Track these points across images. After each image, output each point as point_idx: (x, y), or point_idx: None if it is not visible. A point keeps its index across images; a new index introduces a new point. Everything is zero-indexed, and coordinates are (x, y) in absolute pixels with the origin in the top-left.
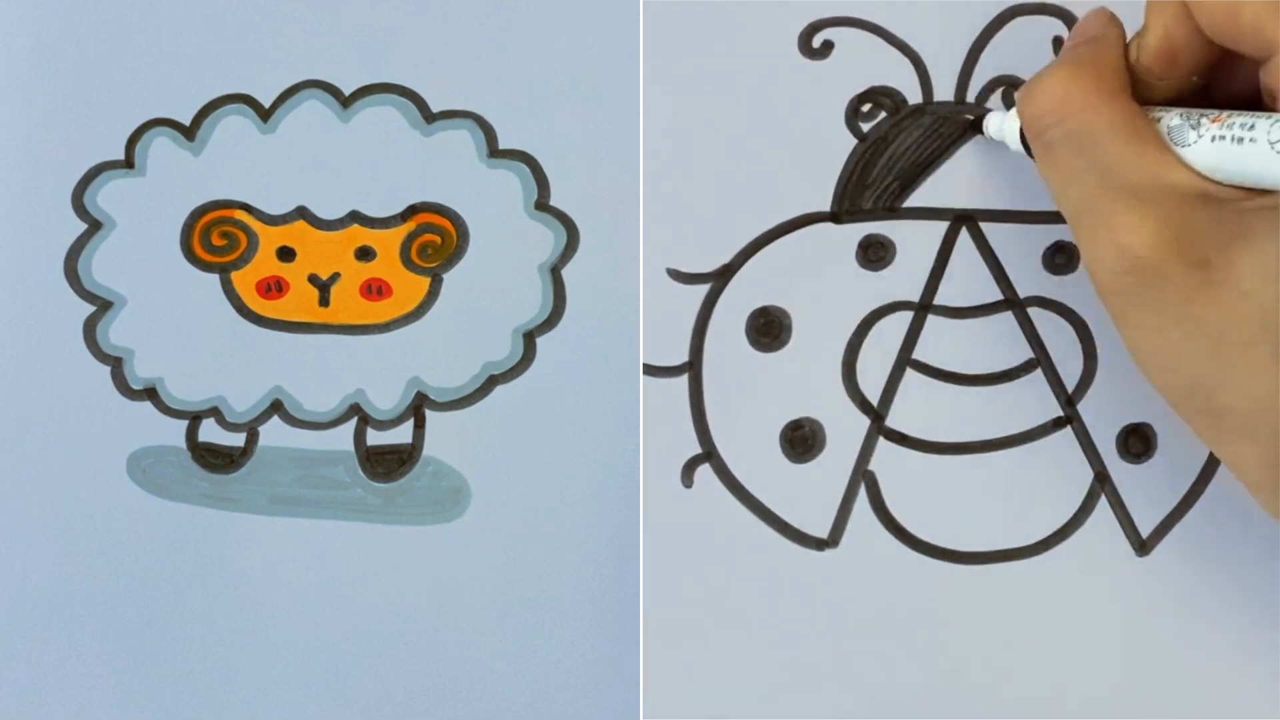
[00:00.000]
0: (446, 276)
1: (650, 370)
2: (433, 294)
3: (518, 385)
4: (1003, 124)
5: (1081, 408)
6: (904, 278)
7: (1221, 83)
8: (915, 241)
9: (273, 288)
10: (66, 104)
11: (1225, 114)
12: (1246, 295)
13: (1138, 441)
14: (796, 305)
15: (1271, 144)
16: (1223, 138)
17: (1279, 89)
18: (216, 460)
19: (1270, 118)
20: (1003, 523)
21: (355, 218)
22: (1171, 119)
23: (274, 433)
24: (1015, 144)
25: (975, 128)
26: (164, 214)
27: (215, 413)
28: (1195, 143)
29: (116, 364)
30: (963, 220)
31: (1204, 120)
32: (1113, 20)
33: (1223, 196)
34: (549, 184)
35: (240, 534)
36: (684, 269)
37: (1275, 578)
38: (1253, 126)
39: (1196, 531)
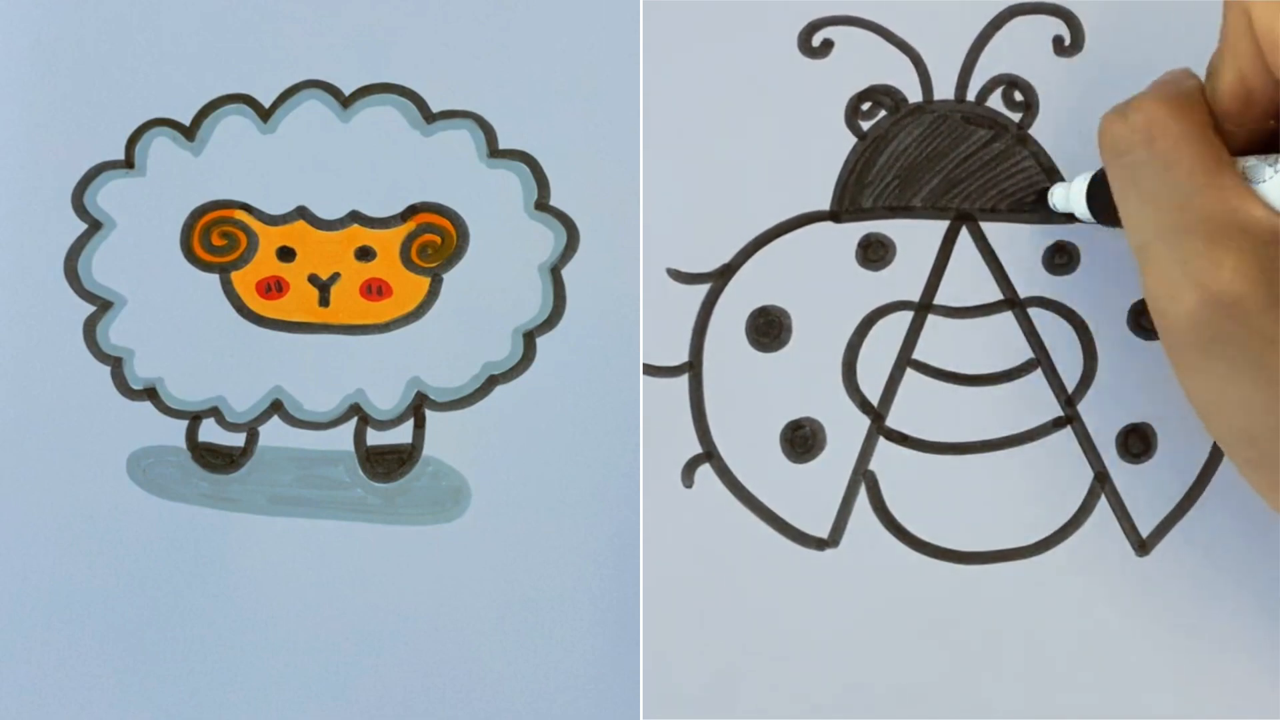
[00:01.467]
0: (446, 276)
1: (650, 370)
2: (433, 294)
3: (518, 385)
4: (1069, 192)
5: (1081, 408)
6: (904, 277)
7: None
8: (915, 241)
9: (273, 288)
10: (66, 104)
11: None
12: None
13: (1138, 441)
14: (796, 305)
15: None
16: None
17: None
18: (216, 460)
19: None
20: (1003, 523)
21: (355, 218)
22: (1247, 160)
23: (274, 433)
24: (1083, 209)
25: (1041, 200)
26: (164, 214)
27: (215, 413)
28: (1271, 179)
29: (116, 364)
30: (963, 220)
31: None
32: (1191, 72)
33: None
34: (549, 184)
35: (240, 534)
36: (684, 269)
37: (1275, 578)
38: None
39: (1196, 531)
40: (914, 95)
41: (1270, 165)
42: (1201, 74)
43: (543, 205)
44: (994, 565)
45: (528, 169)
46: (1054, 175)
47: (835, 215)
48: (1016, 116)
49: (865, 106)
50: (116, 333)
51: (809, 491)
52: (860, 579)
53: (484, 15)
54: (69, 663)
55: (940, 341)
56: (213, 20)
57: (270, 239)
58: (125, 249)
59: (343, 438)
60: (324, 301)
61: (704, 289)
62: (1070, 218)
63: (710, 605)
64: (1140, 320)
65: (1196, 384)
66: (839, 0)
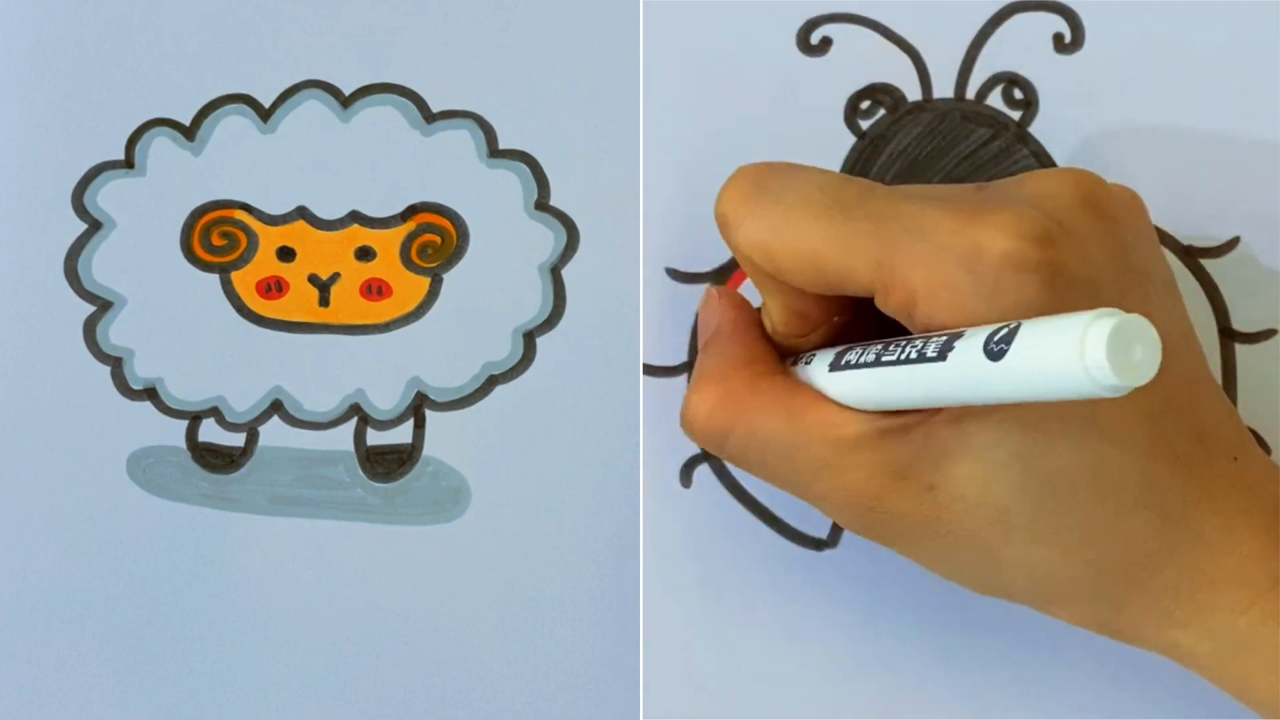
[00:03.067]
0: (446, 276)
1: (650, 370)
2: (433, 294)
3: (518, 385)
4: None
5: None
6: None
7: (866, 307)
8: None
9: (273, 288)
10: (66, 104)
11: (866, 347)
12: (979, 502)
13: None
14: None
15: (908, 367)
16: (870, 366)
17: (896, 317)
18: (216, 460)
19: (898, 344)
20: None
21: (355, 218)
22: (822, 364)
23: (274, 433)
24: None
25: None
26: (164, 214)
27: (215, 413)
28: (850, 381)
29: (116, 364)
30: None
31: (849, 355)
32: (727, 301)
33: (907, 425)
34: (549, 184)
35: (240, 534)
36: (684, 269)
37: None
38: (897, 357)
39: None
40: (913, 93)
41: (843, 367)
42: None
43: (543, 205)
44: None
45: (528, 169)
46: None
47: None
48: (1016, 114)
49: (864, 105)
50: (116, 333)
51: None
52: (859, 579)
53: (484, 15)
54: (69, 663)
55: None
56: (213, 20)
57: (270, 239)
58: (125, 249)
59: (343, 438)
60: (324, 301)
61: (704, 289)
62: None
63: (710, 605)
64: None
65: (911, 558)
66: None
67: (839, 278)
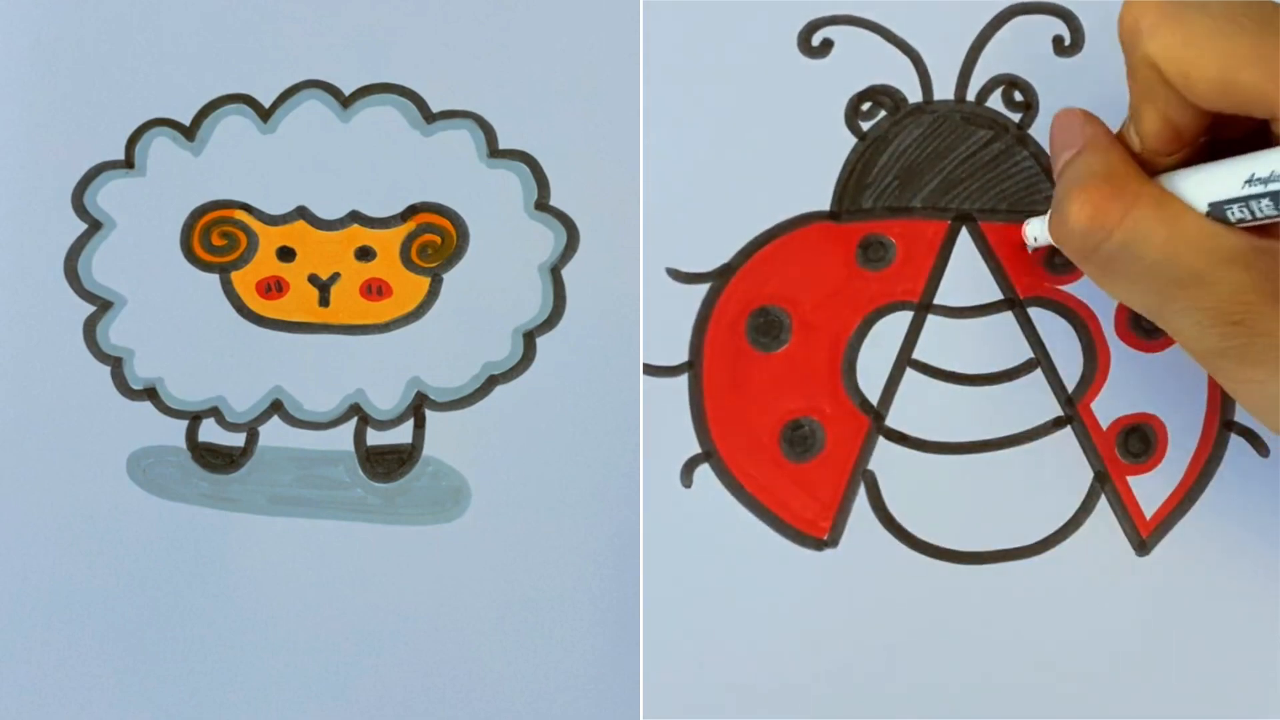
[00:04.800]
0: (446, 276)
1: (650, 370)
2: (433, 294)
3: (518, 385)
4: (1042, 231)
5: (1081, 408)
6: (904, 277)
7: (1226, 130)
8: (915, 241)
9: (273, 288)
10: (66, 104)
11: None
12: None
13: (1138, 441)
14: (796, 305)
15: None
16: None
17: None
18: (216, 460)
19: None
20: (1003, 523)
21: (355, 218)
22: (1192, 180)
23: (274, 433)
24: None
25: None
26: (164, 214)
27: (215, 413)
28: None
29: (116, 364)
30: (963, 220)
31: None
32: (1088, 120)
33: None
34: (549, 184)
35: (240, 534)
36: (684, 269)
37: (1275, 578)
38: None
39: (1196, 531)
40: (914, 95)
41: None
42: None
43: (543, 205)
44: (994, 565)
45: (528, 169)
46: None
47: (835, 215)
48: (1016, 116)
49: (865, 107)
50: (116, 333)
51: (808, 491)
52: (859, 579)
53: (484, 15)
54: (69, 663)
55: (940, 341)
56: (213, 20)
57: (270, 239)
58: (125, 249)
59: (343, 438)
60: (324, 301)
61: (704, 289)
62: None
63: (710, 605)
64: (1140, 320)
65: (1245, 394)
66: (839, 0)
67: (1250, 96)
